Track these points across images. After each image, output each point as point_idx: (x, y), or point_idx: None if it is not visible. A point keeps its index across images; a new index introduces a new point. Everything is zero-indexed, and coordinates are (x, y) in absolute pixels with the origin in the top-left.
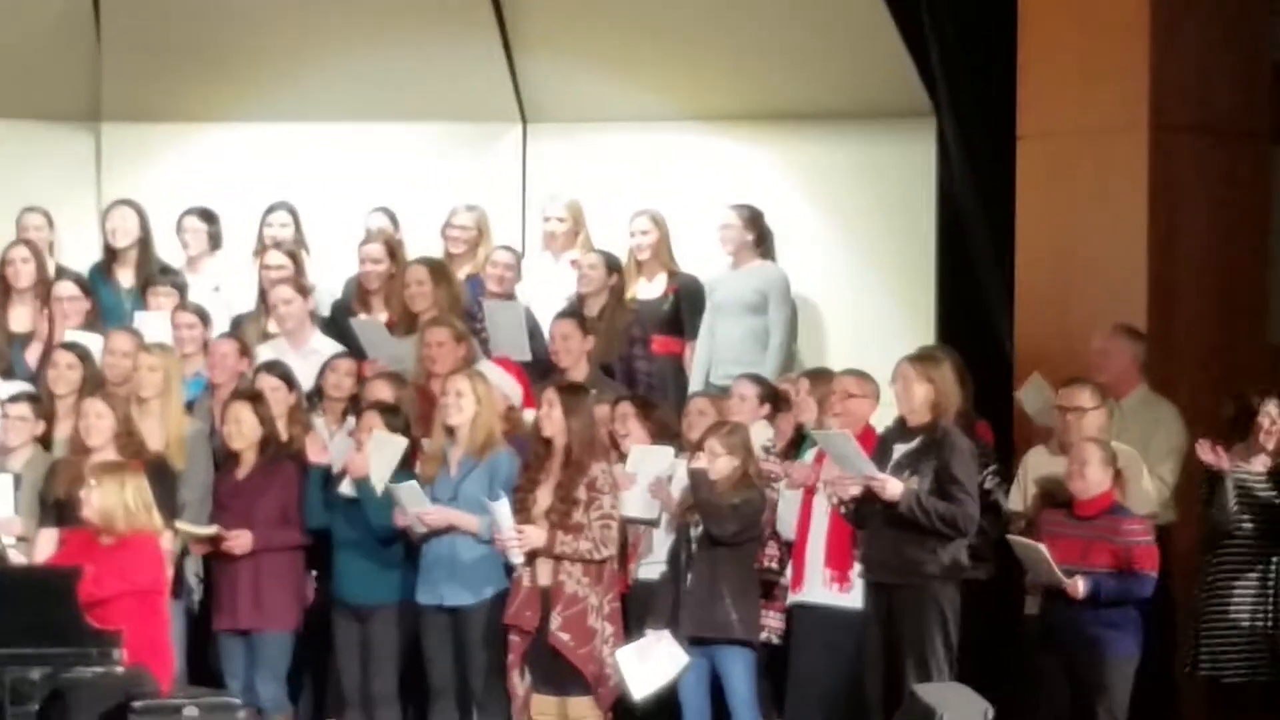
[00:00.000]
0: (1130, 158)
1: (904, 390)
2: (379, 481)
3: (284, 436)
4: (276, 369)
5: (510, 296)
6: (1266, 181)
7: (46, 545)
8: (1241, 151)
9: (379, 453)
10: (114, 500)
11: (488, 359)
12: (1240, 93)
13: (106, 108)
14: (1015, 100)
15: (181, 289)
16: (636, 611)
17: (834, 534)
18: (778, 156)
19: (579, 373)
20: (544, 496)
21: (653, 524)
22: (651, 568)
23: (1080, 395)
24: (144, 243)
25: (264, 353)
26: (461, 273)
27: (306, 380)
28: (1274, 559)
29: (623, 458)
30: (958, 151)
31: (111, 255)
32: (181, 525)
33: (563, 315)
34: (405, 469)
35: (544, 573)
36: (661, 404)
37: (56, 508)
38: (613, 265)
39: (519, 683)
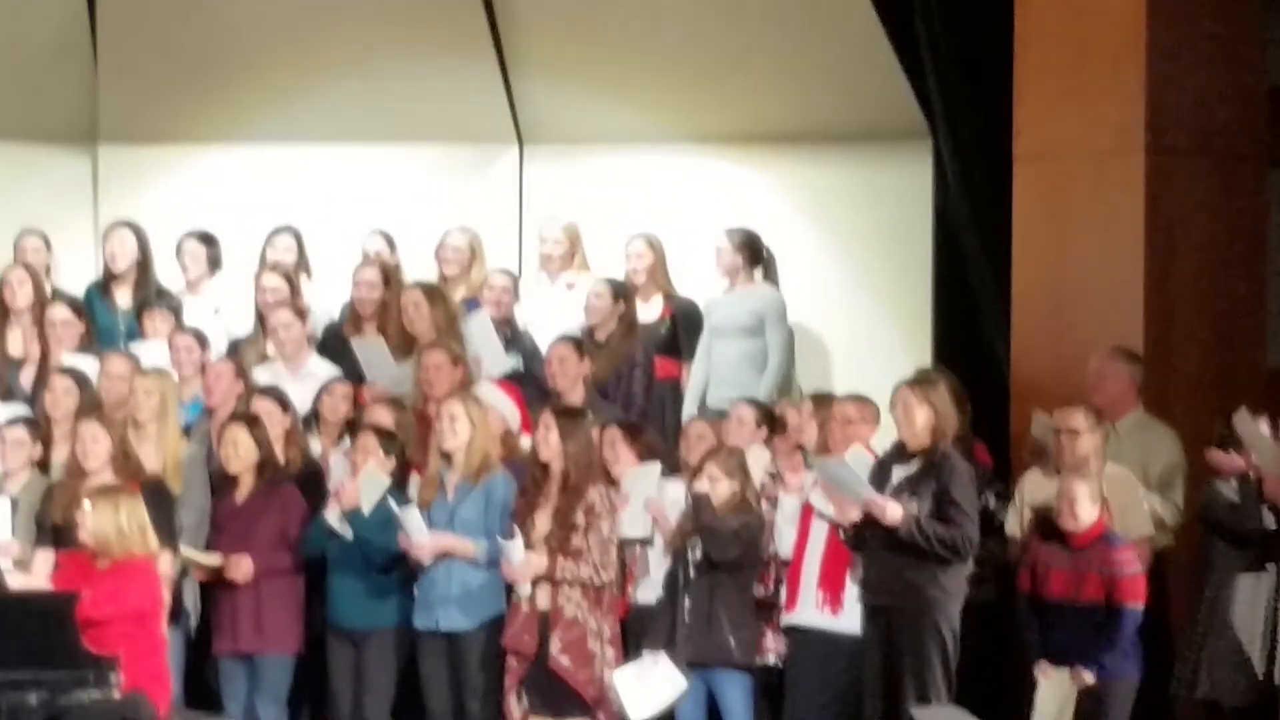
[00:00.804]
0: (1127, 180)
1: (904, 415)
2: (367, 508)
3: (280, 459)
4: (272, 392)
5: (507, 320)
6: (1263, 204)
7: (43, 567)
8: (1238, 174)
9: (366, 487)
10: (108, 524)
11: (487, 381)
12: (1237, 115)
13: (103, 129)
14: (1011, 122)
15: (176, 311)
16: (634, 636)
17: (829, 556)
18: (774, 178)
19: (575, 396)
20: (542, 521)
21: (647, 543)
22: (648, 591)
23: (1075, 418)
24: (142, 265)
25: (260, 375)
26: (456, 295)
27: (303, 403)
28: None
29: (612, 482)
30: (954, 173)
31: (110, 276)
32: (186, 551)
33: (561, 339)
34: (401, 491)
35: (543, 597)
36: (649, 428)
37: (53, 531)
38: (619, 292)
39: (516, 706)
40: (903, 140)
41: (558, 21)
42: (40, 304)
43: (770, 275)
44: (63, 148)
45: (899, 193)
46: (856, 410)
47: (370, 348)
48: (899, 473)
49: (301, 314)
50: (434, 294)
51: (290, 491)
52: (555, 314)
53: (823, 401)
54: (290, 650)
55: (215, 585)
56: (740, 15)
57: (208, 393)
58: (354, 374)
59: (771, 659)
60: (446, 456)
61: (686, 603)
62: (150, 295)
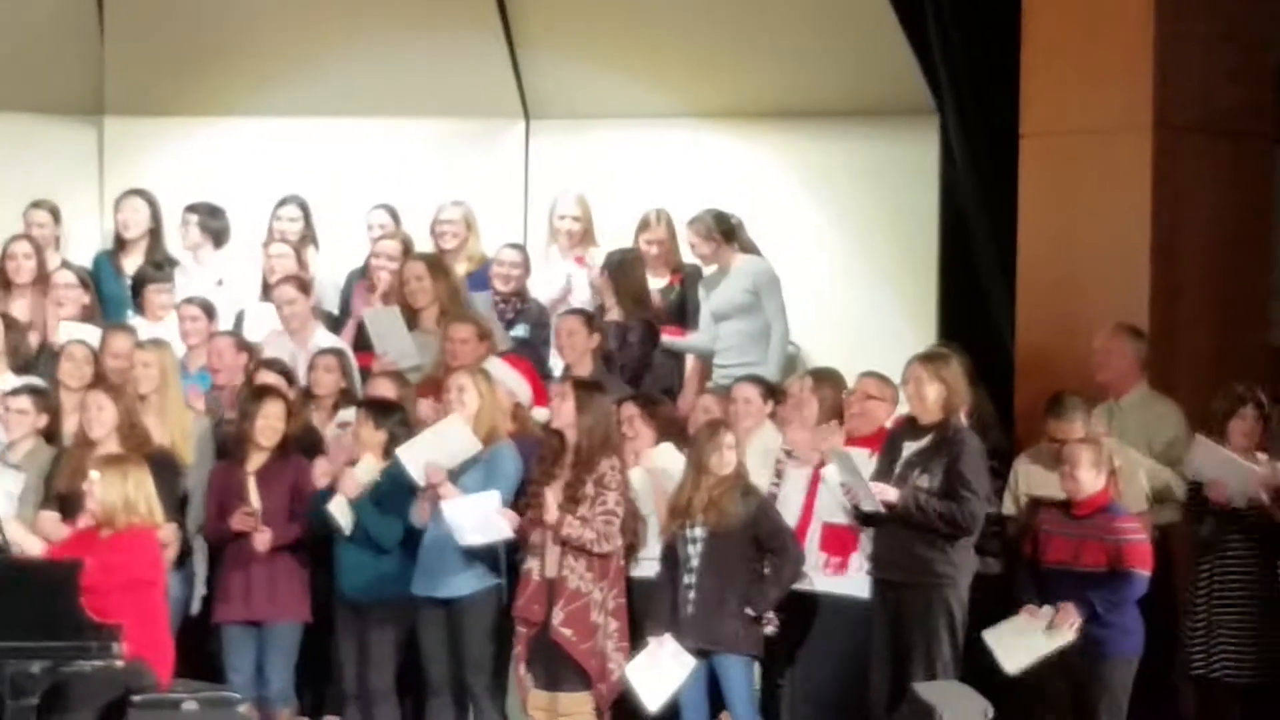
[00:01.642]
0: (1133, 157)
1: (916, 391)
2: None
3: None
4: (275, 364)
5: (518, 294)
6: (1269, 181)
7: (50, 528)
8: (1244, 151)
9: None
10: (116, 493)
11: (495, 358)
12: (1243, 92)
13: (109, 101)
14: (1018, 99)
15: (169, 280)
16: (633, 608)
17: (830, 522)
18: (780, 154)
19: (583, 369)
20: (556, 490)
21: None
22: (646, 565)
23: (1072, 428)
24: (154, 233)
25: (269, 348)
26: (460, 268)
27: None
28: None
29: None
30: (961, 150)
31: (120, 244)
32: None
33: (569, 312)
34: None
35: (552, 565)
36: (666, 400)
37: (59, 499)
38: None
39: (526, 675)
40: (909, 117)
41: None
42: (43, 279)
43: (745, 240)
44: (69, 120)
45: (905, 169)
46: (876, 387)
47: (384, 319)
48: (910, 447)
49: (305, 287)
50: (437, 267)
51: (300, 462)
52: (564, 287)
53: (824, 378)
54: (301, 619)
55: (224, 555)
56: None
57: (213, 365)
58: (368, 345)
59: (769, 629)
60: None
61: (690, 590)
62: (147, 270)
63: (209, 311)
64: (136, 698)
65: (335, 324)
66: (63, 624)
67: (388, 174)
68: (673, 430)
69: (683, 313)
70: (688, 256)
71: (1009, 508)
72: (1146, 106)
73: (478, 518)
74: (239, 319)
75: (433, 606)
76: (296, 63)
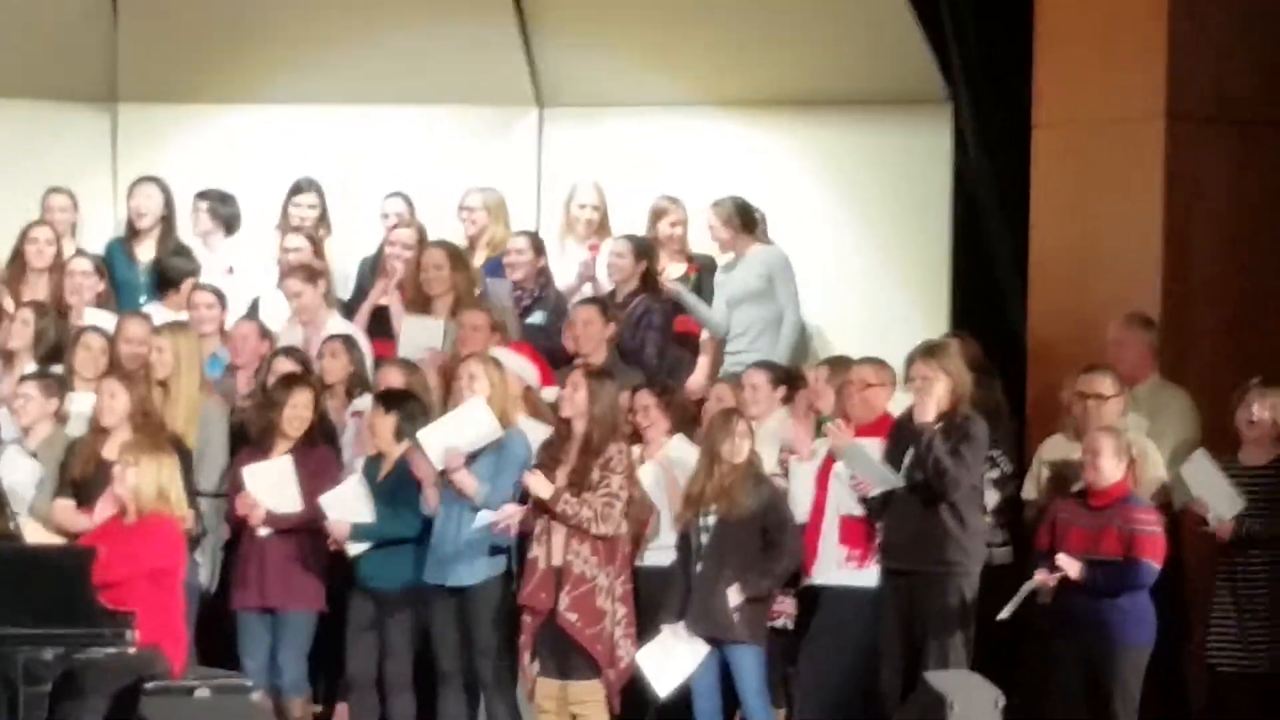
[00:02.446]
0: (1147, 146)
1: (923, 391)
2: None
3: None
4: (293, 353)
5: (534, 282)
6: None
7: (66, 517)
8: (1258, 141)
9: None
10: (150, 481)
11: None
12: (1257, 82)
13: (123, 89)
14: (1031, 88)
15: (195, 274)
16: (642, 597)
17: (849, 515)
18: (793, 142)
19: (599, 359)
20: (561, 476)
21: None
22: (659, 554)
23: (1101, 382)
24: (167, 220)
25: (285, 337)
26: (479, 255)
27: None
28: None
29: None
30: (973, 139)
31: (133, 231)
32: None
33: (585, 301)
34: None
35: (557, 551)
36: (679, 389)
37: (73, 486)
38: (641, 250)
39: (531, 665)
40: (923, 106)
41: None
42: (60, 267)
43: (763, 233)
44: (83, 106)
45: (918, 157)
46: (874, 373)
47: (422, 329)
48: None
49: (314, 276)
50: (457, 257)
51: (326, 454)
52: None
53: (839, 366)
54: (316, 607)
55: (241, 541)
56: None
57: (234, 352)
58: (384, 332)
59: (781, 621)
60: None
61: (698, 569)
62: (177, 262)
63: (222, 298)
64: (149, 685)
65: (348, 311)
66: (76, 611)
67: (401, 161)
68: (686, 419)
69: None
70: (697, 246)
71: (1029, 491)
72: (1160, 96)
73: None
74: (254, 305)
75: (444, 594)
76: (310, 50)
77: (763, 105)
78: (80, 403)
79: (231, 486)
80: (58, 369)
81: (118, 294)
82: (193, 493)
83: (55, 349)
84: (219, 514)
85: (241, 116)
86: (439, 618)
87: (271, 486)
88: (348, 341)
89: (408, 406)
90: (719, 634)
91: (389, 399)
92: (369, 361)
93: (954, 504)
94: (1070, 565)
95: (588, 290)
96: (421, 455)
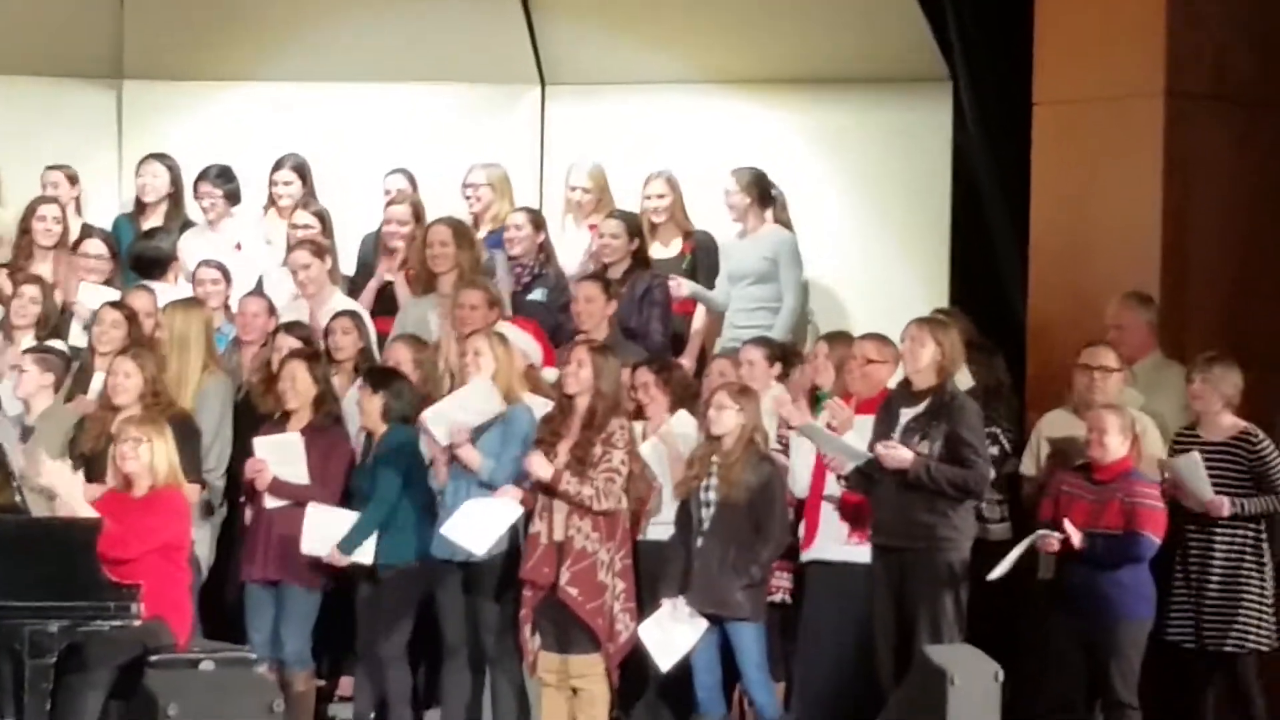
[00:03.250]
0: (1146, 124)
1: (910, 350)
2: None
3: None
4: (299, 329)
5: (534, 258)
6: None
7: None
8: (1258, 119)
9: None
10: (163, 455)
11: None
12: (1256, 60)
13: (129, 65)
14: (1031, 66)
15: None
16: (644, 571)
17: (849, 492)
18: (794, 120)
19: (600, 335)
20: (563, 451)
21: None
22: (661, 528)
23: (1106, 356)
24: (174, 198)
25: (286, 312)
26: (483, 230)
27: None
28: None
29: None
30: (973, 117)
31: (140, 207)
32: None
33: (586, 278)
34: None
35: (559, 526)
36: (679, 365)
37: (84, 460)
38: (633, 230)
39: (530, 638)
40: (923, 84)
41: None
42: (65, 244)
43: (781, 214)
44: (88, 83)
45: (918, 136)
46: (875, 349)
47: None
48: (906, 414)
49: (322, 252)
50: (462, 234)
51: (338, 433)
52: (578, 255)
53: (838, 341)
54: (315, 584)
55: (248, 515)
56: None
57: (243, 328)
58: (389, 308)
59: (779, 596)
60: None
61: (699, 545)
62: (149, 247)
63: (226, 274)
64: (154, 657)
65: (353, 288)
66: (81, 584)
67: (404, 139)
68: (687, 395)
69: (695, 282)
70: (697, 222)
71: (1028, 467)
72: (1159, 74)
73: (474, 526)
74: (259, 283)
75: (451, 569)
76: (314, 28)
77: (765, 83)
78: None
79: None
80: (58, 344)
81: (125, 269)
82: (198, 467)
83: (55, 325)
84: (218, 492)
85: (246, 93)
86: (446, 592)
87: (280, 461)
88: (356, 318)
89: (395, 385)
90: (720, 610)
91: (375, 378)
92: (374, 337)
93: None
94: (1074, 534)
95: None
96: (428, 432)
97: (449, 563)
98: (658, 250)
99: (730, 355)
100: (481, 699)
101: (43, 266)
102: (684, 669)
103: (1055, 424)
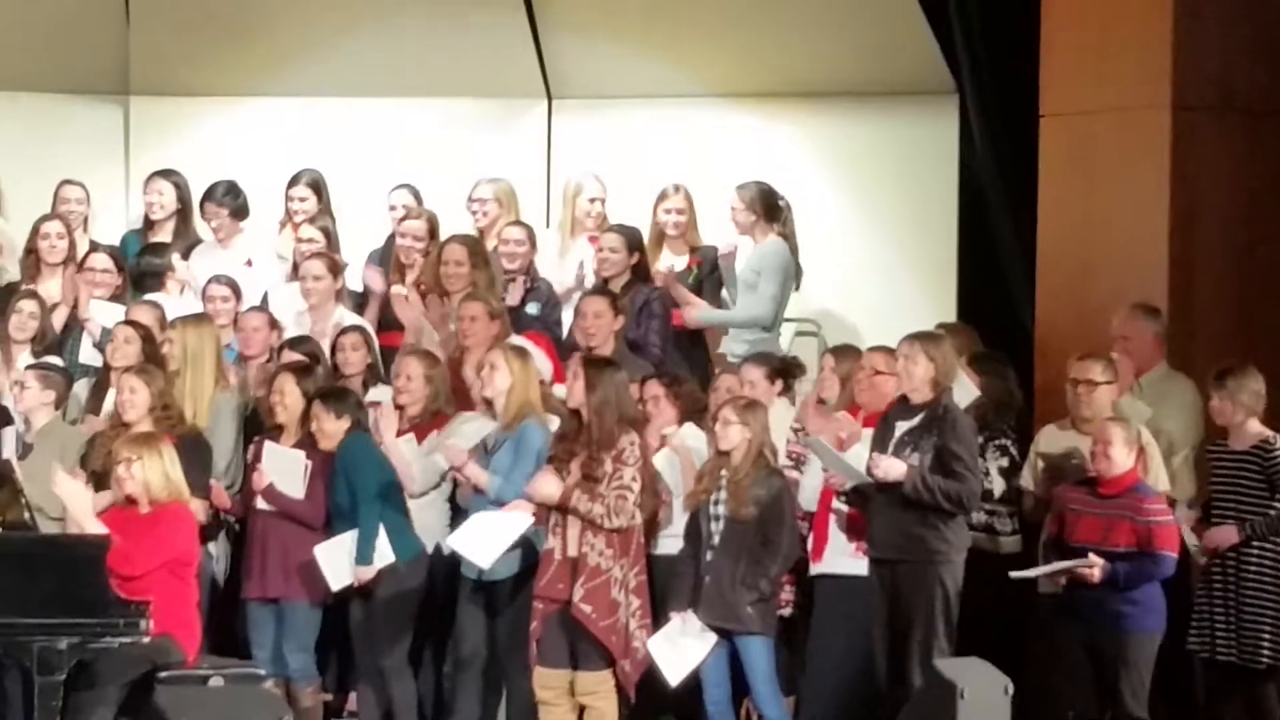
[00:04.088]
0: (1152, 136)
1: (904, 368)
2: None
3: None
4: (304, 343)
5: (525, 270)
6: None
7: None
8: (1264, 130)
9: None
10: (157, 471)
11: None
12: (1262, 71)
13: (135, 81)
14: (1038, 79)
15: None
16: (657, 585)
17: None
18: (800, 133)
19: (607, 350)
20: (575, 467)
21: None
22: (671, 541)
23: (1092, 369)
24: (182, 214)
25: (295, 328)
26: (488, 245)
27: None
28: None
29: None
30: (980, 129)
31: (149, 223)
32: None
33: (594, 292)
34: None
35: (573, 543)
36: (689, 379)
37: (94, 478)
38: (633, 244)
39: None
40: (929, 97)
41: None
42: (73, 259)
43: (784, 227)
44: (95, 99)
45: (925, 148)
46: (884, 361)
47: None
48: (902, 426)
49: (336, 269)
50: (478, 254)
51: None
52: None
53: (845, 354)
54: (315, 600)
55: (247, 532)
56: None
57: (244, 343)
58: (392, 324)
59: (785, 610)
60: (489, 405)
61: (708, 559)
62: (139, 262)
63: (236, 290)
64: (163, 674)
65: (358, 303)
66: (90, 600)
67: (411, 154)
68: (696, 409)
69: (699, 296)
70: (705, 237)
71: (1027, 481)
72: (1165, 86)
73: (481, 539)
74: (265, 298)
75: (474, 586)
76: (320, 43)
77: (771, 96)
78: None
79: (253, 458)
80: (56, 360)
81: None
82: (208, 484)
83: (54, 341)
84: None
85: (252, 109)
86: (467, 609)
87: (281, 470)
88: (364, 333)
89: (351, 401)
90: (729, 624)
91: (334, 401)
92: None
93: None
94: (1097, 568)
95: (588, 283)
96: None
97: (469, 580)
98: (664, 259)
99: (735, 371)
100: (497, 713)
101: (51, 284)
102: (693, 683)
103: (1048, 439)
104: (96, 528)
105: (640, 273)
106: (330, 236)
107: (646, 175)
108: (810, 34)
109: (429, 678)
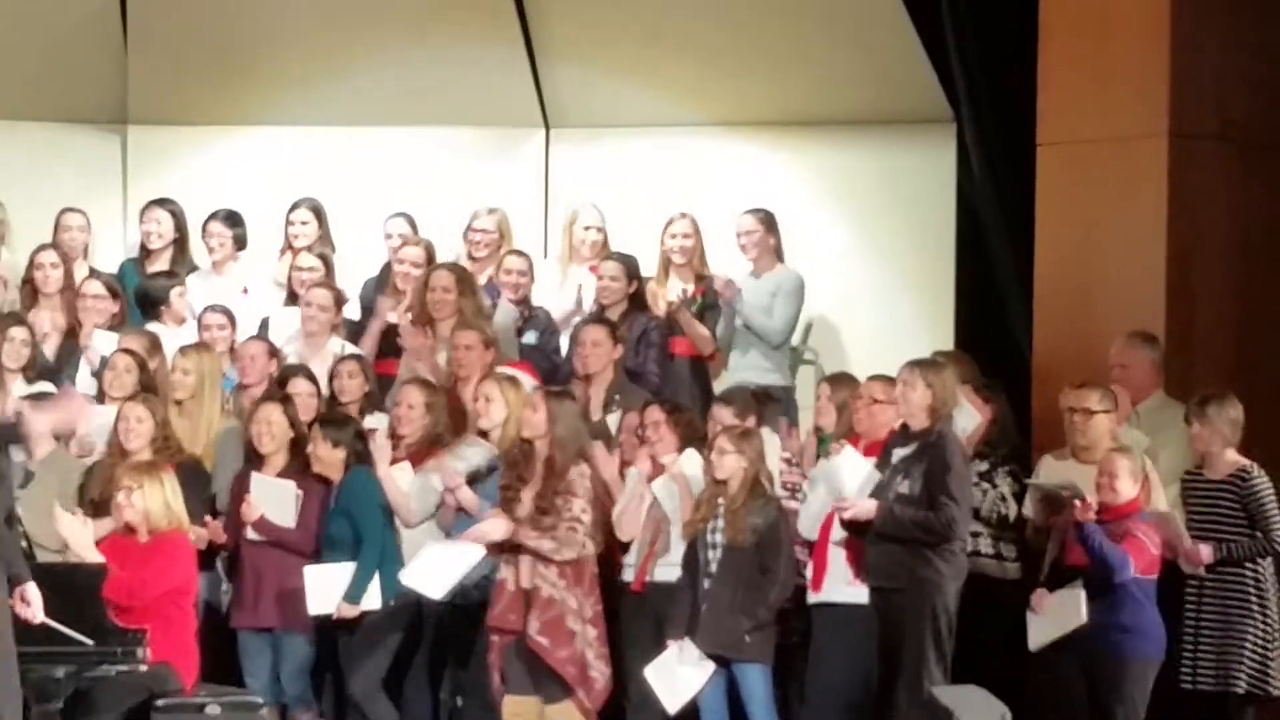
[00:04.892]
0: (1150, 165)
1: (902, 394)
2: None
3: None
4: (303, 371)
5: (524, 300)
6: None
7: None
8: (1261, 159)
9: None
10: (158, 500)
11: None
12: (1259, 101)
13: (133, 111)
14: (1035, 107)
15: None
16: (653, 613)
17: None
18: (798, 162)
19: (605, 379)
20: (527, 498)
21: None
22: (668, 569)
23: (1088, 397)
24: (179, 243)
25: (290, 356)
26: (483, 276)
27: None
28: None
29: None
30: (978, 158)
31: (146, 252)
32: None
33: (593, 321)
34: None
35: (525, 574)
36: (688, 407)
37: (93, 506)
38: (632, 273)
39: (500, 685)
40: (927, 124)
41: (584, 6)
42: (70, 288)
43: (781, 254)
44: (93, 129)
45: (923, 177)
46: (882, 390)
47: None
48: (898, 454)
49: (341, 302)
50: (465, 282)
51: (314, 476)
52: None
53: (841, 382)
54: (310, 628)
55: (240, 561)
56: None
57: (243, 372)
58: (392, 351)
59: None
60: (484, 436)
61: (706, 587)
62: (158, 282)
63: (232, 319)
64: (160, 702)
65: (353, 331)
66: (87, 629)
67: (409, 183)
68: (696, 437)
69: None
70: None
71: (1028, 509)
72: (1163, 115)
73: (434, 570)
74: (263, 325)
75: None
76: (318, 72)
77: (768, 126)
78: (104, 416)
79: (236, 489)
80: (48, 387)
81: (132, 314)
82: (214, 512)
83: (46, 368)
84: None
85: (250, 138)
86: (462, 633)
87: (270, 501)
88: (361, 361)
89: (350, 429)
90: (727, 652)
91: (334, 428)
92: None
93: None
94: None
95: (587, 308)
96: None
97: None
98: (674, 290)
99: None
100: None
101: (46, 313)
102: (691, 711)
103: (1047, 470)
104: (96, 559)
105: (638, 301)
106: (329, 265)
107: (644, 204)
108: (808, 63)
109: (424, 700)
